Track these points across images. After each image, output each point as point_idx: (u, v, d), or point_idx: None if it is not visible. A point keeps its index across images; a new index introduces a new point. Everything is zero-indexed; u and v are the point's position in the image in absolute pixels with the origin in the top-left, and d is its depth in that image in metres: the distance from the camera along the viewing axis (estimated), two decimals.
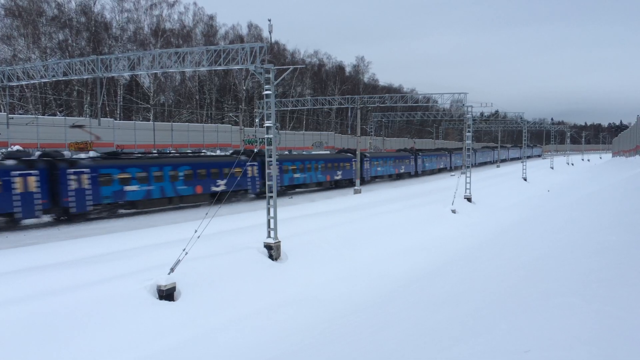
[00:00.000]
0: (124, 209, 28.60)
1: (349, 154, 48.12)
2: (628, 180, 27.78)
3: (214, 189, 32.40)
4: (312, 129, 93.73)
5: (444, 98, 59.36)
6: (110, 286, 12.06)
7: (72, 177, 25.23)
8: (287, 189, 40.14)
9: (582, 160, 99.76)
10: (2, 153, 27.66)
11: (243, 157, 34.82)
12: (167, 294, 12.47)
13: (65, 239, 19.80)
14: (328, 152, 61.88)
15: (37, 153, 26.80)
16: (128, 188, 27.86)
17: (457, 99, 39.24)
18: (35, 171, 23.92)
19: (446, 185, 38.86)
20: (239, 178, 32.76)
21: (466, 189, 32.86)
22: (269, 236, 16.87)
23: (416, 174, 62.94)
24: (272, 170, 16.88)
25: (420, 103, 47.74)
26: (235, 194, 34.21)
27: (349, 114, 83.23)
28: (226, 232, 18.73)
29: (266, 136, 17.01)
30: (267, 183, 17.13)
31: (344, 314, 12.61)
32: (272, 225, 16.85)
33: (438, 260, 17.82)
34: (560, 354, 4.92)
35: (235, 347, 11.06)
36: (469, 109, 34.70)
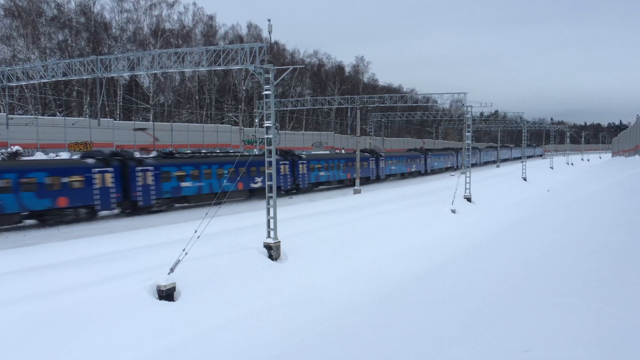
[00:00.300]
0: (178, 203, 31.77)
1: (366, 154, 50.61)
2: (628, 180, 27.79)
3: (253, 185, 36.05)
4: (311, 129, 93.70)
5: (443, 98, 59.38)
6: (110, 286, 12.06)
7: (140, 174, 28.58)
8: (313, 186, 43.01)
9: (582, 160, 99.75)
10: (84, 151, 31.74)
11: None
12: (167, 294, 12.48)
13: (65, 239, 19.79)
14: (344, 152, 64.70)
15: (107, 152, 29.91)
16: (183, 184, 31.37)
17: (456, 99, 39.27)
18: (111, 169, 27.18)
19: (446, 185, 38.86)
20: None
21: (466, 189, 32.87)
22: (268, 236, 16.87)
23: (425, 173, 65.51)
24: (272, 170, 16.87)
25: (419, 103, 47.73)
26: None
27: (349, 114, 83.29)
28: (226, 232, 18.73)
29: (266, 136, 17.00)
30: (267, 183, 17.12)
31: (344, 314, 12.61)
32: (271, 225, 16.84)
33: (438, 260, 17.82)
34: (559, 353, 4.93)
35: (234, 347, 11.06)
36: (469, 109, 34.70)
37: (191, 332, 11.58)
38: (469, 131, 34.75)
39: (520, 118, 64.44)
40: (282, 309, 13.44)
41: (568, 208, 23.09)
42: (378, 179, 52.79)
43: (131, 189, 28.04)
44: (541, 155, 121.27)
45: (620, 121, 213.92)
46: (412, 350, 7.44)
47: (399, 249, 20.19)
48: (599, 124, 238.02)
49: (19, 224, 23.96)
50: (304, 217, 23.28)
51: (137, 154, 41.36)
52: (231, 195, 32.49)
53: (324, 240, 18.94)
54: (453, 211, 28.07)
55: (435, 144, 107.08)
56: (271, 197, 16.91)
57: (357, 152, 42.31)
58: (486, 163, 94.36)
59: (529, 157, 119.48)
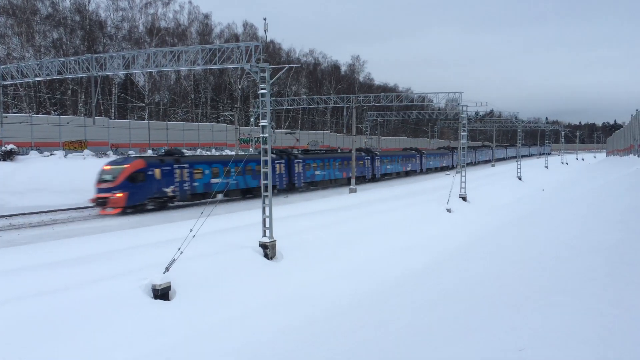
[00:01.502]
0: (313, 186, 44.04)
1: (362, 153, 52.35)
2: (622, 179, 27.91)
3: (407, 169, 53.00)
4: (307, 128, 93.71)
5: (439, 97, 59.51)
6: (104, 286, 12.02)
7: (296, 164, 41.34)
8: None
9: (577, 159, 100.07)
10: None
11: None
12: (162, 293, 12.44)
13: (59, 238, 19.72)
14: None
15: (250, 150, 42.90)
16: (316, 173, 44.44)
17: (452, 98, 39.24)
18: (283, 161, 39.82)
19: (442, 184, 38.89)
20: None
21: (461, 188, 32.92)
22: (264, 235, 16.84)
23: (421, 172, 66.08)
24: (268, 168, 16.85)
25: (415, 102, 47.81)
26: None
27: (345, 113, 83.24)
28: (222, 231, 18.69)
29: (261, 135, 16.98)
30: (262, 182, 17.09)
31: (339, 313, 12.62)
32: (267, 225, 16.83)
33: (433, 259, 17.85)
34: (554, 352, 4.95)
35: (229, 346, 11.05)
36: (464, 108, 34.76)
37: (186, 331, 11.56)
38: (464, 130, 34.81)
39: (515, 117, 64.77)
40: (278, 308, 13.43)
41: (563, 207, 23.18)
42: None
43: (291, 175, 40.64)
44: (549, 154, 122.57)
45: (615, 121, 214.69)
46: (407, 349, 7.46)
47: (394, 248, 20.20)
48: (594, 124, 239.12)
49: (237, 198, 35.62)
50: (300, 216, 23.28)
51: (132, 153, 42.32)
52: (338, 182, 47.32)
53: (320, 239, 18.94)
54: (448, 210, 28.11)
55: (430, 144, 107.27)
56: (267, 196, 16.89)
57: (352, 151, 42.33)
58: (485, 162, 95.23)
59: (540, 155, 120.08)
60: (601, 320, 5.59)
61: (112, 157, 41.09)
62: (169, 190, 30.19)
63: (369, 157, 52.62)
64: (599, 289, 6.80)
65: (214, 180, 32.81)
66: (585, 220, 14.86)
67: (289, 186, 40.57)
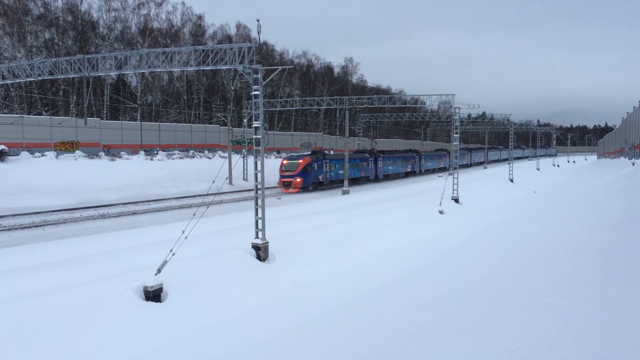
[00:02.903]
0: (386, 179, 58.46)
1: (366, 154, 56.98)
2: (613, 181, 28.11)
3: (407, 170, 64.82)
4: (300, 129, 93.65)
5: (431, 99, 60.06)
6: (95, 287, 11.93)
7: (380, 161, 57.32)
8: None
9: (568, 162, 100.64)
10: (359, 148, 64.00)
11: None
12: (153, 295, 12.37)
13: (50, 240, 19.59)
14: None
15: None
16: (390, 168, 60.04)
17: (444, 100, 39.55)
18: (372, 159, 55.57)
19: (435, 186, 38.98)
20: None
21: (453, 190, 33.03)
22: (257, 237, 16.80)
23: (420, 173, 69.12)
24: (261, 169, 16.83)
25: (408, 104, 47.92)
26: (407, 174, 65.35)
27: (338, 115, 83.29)
28: (214, 233, 18.63)
29: (254, 137, 16.95)
30: (255, 183, 17.06)
31: (332, 314, 12.61)
32: (260, 226, 16.79)
33: (425, 261, 17.89)
34: (546, 353, 4.96)
35: (222, 348, 11.00)
36: (457, 110, 34.88)
37: (179, 333, 11.50)
38: (456, 132, 34.93)
39: (508, 120, 65.14)
40: (270, 309, 13.40)
41: (554, 209, 23.31)
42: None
43: (377, 169, 56.48)
44: (555, 155, 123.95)
45: (606, 123, 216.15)
46: (399, 350, 7.46)
47: (387, 249, 20.23)
48: (585, 126, 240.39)
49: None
50: (292, 218, 23.25)
51: (124, 154, 42.47)
52: (399, 175, 62.97)
53: (312, 240, 18.92)
54: (441, 212, 28.19)
55: (423, 145, 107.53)
56: (259, 197, 16.86)
57: (345, 153, 42.45)
58: (480, 163, 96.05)
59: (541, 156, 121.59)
60: (593, 322, 5.62)
61: (284, 154, 60.58)
62: (320, 177, 45.93)
63: (372, 159, 56.58)
64: (590, 290, 6.83)
65: (340, 172, 47.57)
66: (577, 222, 14.94)
67: (375, 177, 56.43)
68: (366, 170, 54.50)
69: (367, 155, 55.83)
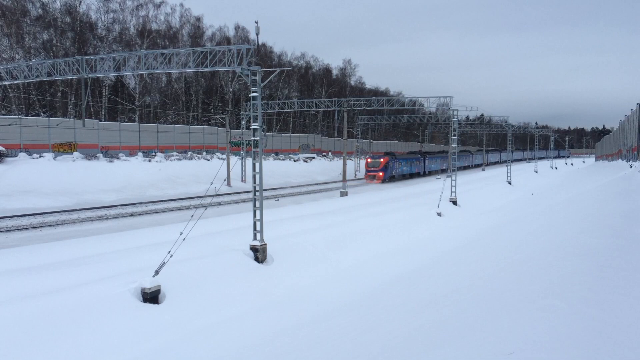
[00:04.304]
0: (429, 175, 70.00)
1: (417, 154, 71.10)
2: (610, 184, 28.16)
3: (443, 167, 73.69)
4: (298, 131, 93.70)
5: (430, 101, 59.87)
6: (93, 289, 11.92)
7: (427, 160, 70.43)
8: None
9: (566, 164, 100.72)
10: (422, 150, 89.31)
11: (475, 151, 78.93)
12: (151, 296, 12.36)
13: (47, 241, 19.55)
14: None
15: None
16: (431, 165, 73.13)
17: (443, 103, 39.33)
18: (422, 158, 68.88)
19: (433, 188, 39.02)
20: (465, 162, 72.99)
21: (451, 192, 33.05)
22: (254, 238, 16.80)
23: (424, 174, 73.30)
24: (259, 171, 16.83)
25: (406, 106, 47.98)
26: (443, 171, 71.23)
27: (336, 117, 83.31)
28: (212, 234, 18.62)
29: (252, 138, 16.95)
30: (253, 185, 17.05)
31: (330, 316, 12.61)
32: (258, 228, 16.78)
33: (422, 263, 17.89)
34: (543, 355, 4.97)
35: (220, 350, 10.99)
36: (455, 112, 34.90)
37: (176, 335, 11.49)
38: (454, 134, 34.96)
39: (506, 122, 64.97)
40: (268, 311, 13.40)
41: (552, 211, 23.33)
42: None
43: (425, 166, 68.70)
44: (568, 157, 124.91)
45: (604, 126, 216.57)
46: (397, 352, 7.46)
47: (384, 251, 20.24)
48: (583, 129, 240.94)
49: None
50: (290, 220, 23.24)
51: (122, 155, 42.56)
52: (436, 172, 71.10)
53: (310, 242, 18.92)
54: (439, 214, 28.20)
55: (422, 147, 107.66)
56: (257, 199, 16.85)
57: (344, 155, 42.47)
58: (478, 165, 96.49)
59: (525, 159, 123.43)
60: (590, 324, 5.63)
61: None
62: (394, 173, 59.53)
63: (422, 158, 68.58)
64: (587, 293, 6.84)
65: (405, 168, 62.38)
66: (574, 225, 14.96)
67: (423, 172, 68.77)
68: (419, 167, 68.39)
69: (419, 155, 69.88)
